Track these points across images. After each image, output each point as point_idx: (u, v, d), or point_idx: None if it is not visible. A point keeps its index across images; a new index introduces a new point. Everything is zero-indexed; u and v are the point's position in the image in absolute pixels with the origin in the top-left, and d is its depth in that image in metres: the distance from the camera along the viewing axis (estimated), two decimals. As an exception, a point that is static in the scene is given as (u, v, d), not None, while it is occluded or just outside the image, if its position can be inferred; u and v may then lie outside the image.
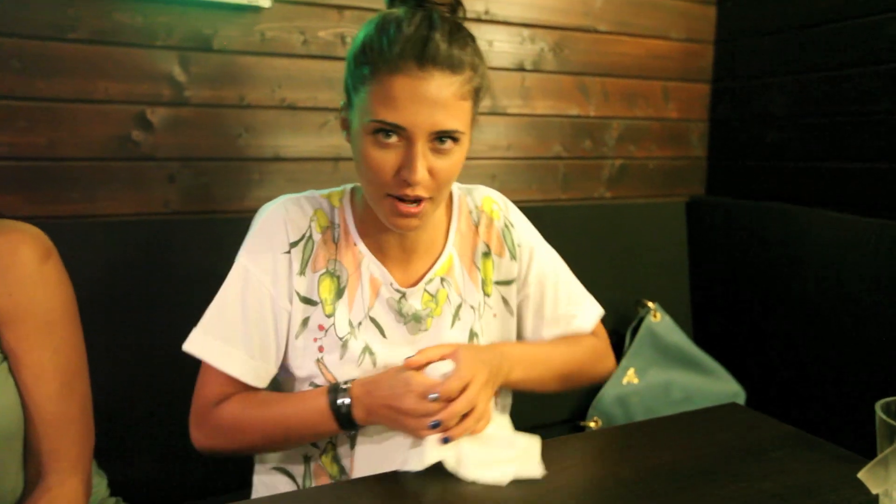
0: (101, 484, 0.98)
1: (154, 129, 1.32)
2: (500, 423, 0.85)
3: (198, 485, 1.26)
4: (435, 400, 0.76)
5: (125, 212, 1.32)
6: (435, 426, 0.75)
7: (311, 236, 0.88)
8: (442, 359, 0.82)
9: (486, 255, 0.96)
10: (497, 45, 1.65)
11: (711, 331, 1.84)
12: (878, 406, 0.64)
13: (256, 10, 1.37)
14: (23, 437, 0.79)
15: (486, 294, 0.96)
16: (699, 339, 1.82)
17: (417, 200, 0.80)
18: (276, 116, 1.43)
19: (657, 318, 1.68)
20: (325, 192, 0.93)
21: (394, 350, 0.88)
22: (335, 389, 0.82)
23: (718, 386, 1.65)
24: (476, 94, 0.81)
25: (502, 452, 0.78)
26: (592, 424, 1.61)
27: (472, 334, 0.93)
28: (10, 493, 0.79)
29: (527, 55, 1.69)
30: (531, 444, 0.80)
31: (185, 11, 1.32)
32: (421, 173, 0.76)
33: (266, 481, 0.93)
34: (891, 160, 1.53)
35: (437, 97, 0.75)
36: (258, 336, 0.85)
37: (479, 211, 0.98)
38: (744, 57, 1.89)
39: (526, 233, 1.01)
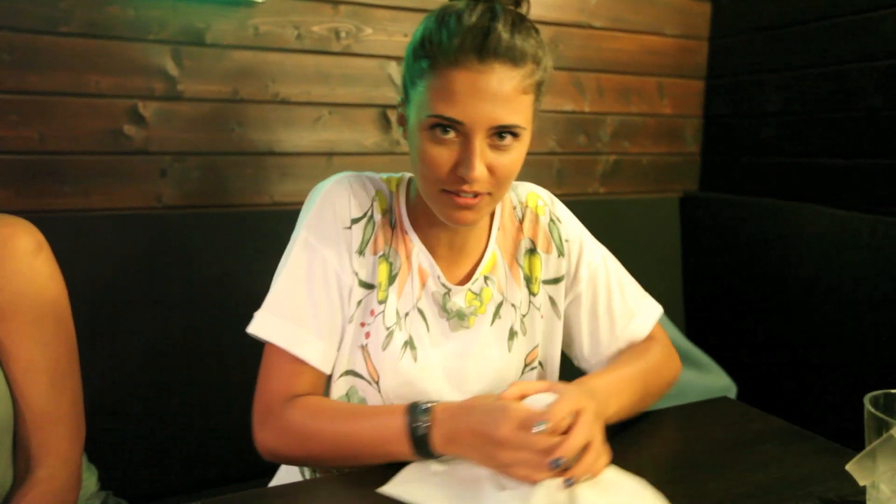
0: (91, 478, 0.97)
1: (147, 124, 1.32)
2: (618, 471, 0.73)
3: (188, 479, 1.26)
4: (540, 432, 0.66)
5: (117, 206, 1.31)
6: (555, 466, 0.65)
7: (372, 216, 0.85)
8: (537, 393, 0.74)
9: (532, 251, 0.93)
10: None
11: (704, 326, 1.85)
12: (866, 399, 0.64)
13: (250, 4, 1.37)
14: (12, 430, 0.79)
15: (532, 293, 0.92)
16: (691, 333, 1.83)
17: (475, 194, 0.76)
18: (270, 111, 1.43)
19: (651, 313, 1.69)
20: (385, 175, 0.90)
21: (434, 343, 0.86)
22: (414, 408, 0.74)
23: (710, 380, 1.65)
24: (538, 88, 0.78)
25: (629, 500, 0.67)
26: (586, 419, 1.61)
27: (512, 333, 0.90)
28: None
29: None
30: (657, 497, 0.68)
31: (178, 5, 1.31)
32: (479, 170, 0.73)
33: (291, 469, 0.92)
34: (883, 156, 1.54)
35: (498, 91, 0.72)
36: (326, 316, 0.81)
37: (523, 206, 0.94)
38: (738, 53, 1.89)
39: (574, 228, 0.96)
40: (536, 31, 0.78)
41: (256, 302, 0.81)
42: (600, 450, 0.69)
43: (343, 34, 1.48)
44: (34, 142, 1.24)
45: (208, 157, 1.39)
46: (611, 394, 0.82)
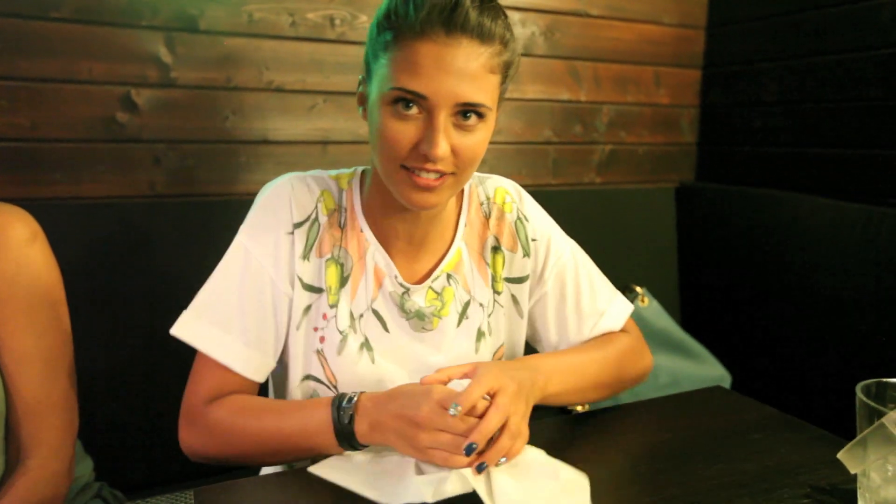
0: (86, 468, 0.97)
1: (139, 111, 1.31)
2: (537, 452, 0.72)
3: (182, 469, 1.26)
4: (457, 414, 0.65)
5: (110, 194, 1.31)
6: (469, 452, 0.64)
7: (316, 218, 0.82)
8: (464, 377, 0.72)
9: (496, 249, 0.90)
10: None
11: (699, 316, 1.85)
12: (858, 388, 0.65)
13: (243, -10, 1.36)
14: (4, 419, 0.79)
15: (496, 291, 0.90)
16: (686, 323, 1.83)
17: (438, 174, 0.73)
18: (264, 99, 1.42)
19: (645, 303, 1.69)
20: (334, 172, 0.87)
21: (395, 344, 0.84)
22: (339, 399, 0.73)
23: (705, 370, 1.66)
24: (505, 70, 0.75)
25: (545, 485, 0.66)
26: (580, 408, 1.62)
27: (480, 334, 0.88)
28: (-8, 474, 0.79)
29: (518, 39, 1.68)
30: (579, 479, 0.67)
31: (171, -9, 1.30)
32: (442, 147, 0.70)
33: None
34: (880, 146, 1.53)
35: (464, 67, 0.69)
36: (255, 324, 0.79)
37: (490, 202, 0.91)
38: (735, 43, 1.88)
39: (542, 226, 0.93)
40: (504, 13, 0.75)
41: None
42: (516, 431, 0.68)
43: (338, 21, 1.46)
44: (25, 129, 1.23)
45: (202, 145, 1.38)
46: (554, 373, 0.81)
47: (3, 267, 0.76)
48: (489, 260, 0.90)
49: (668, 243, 1.88)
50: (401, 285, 0.84)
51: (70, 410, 0.84)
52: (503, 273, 0.91)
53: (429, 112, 0.71)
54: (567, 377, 0.83)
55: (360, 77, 0.80)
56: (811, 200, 1.57)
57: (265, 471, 0.93)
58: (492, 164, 1.68)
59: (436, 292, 0.86)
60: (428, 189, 0.73)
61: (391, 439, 0.69)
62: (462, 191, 0.90)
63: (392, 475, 0.69)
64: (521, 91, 1.71)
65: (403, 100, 0.70)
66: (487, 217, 0.91)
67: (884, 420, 0.59)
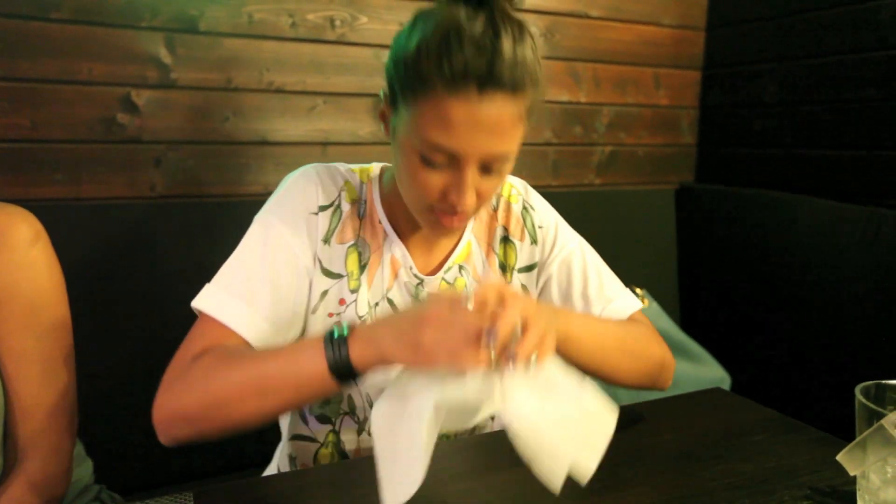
0: (86, 470, 0.97)
1: (140, 112, 1.31)
2: (564, 371, 0.62)
3: (182, 472, 1.27)
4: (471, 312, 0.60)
5: (110, 195, 1.31)
6: (490, 340, 0.56)
7: (339, 205, 0.83)
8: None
9: (505, 239, 0.93)
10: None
11: (698, 317, 1.85)
12: (858, 389, 0.65)
13: (244, -9, 1.36)
14: (3, 420, 0.79)
15: (522, 270, 0.93)
16: (686, 325, 1.83)
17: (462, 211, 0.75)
18: (264, 100, 1.42)
19: (645, 305, 1.69)
20: (356, 166, 0.89)
21: None
22: (332, 331, 0.66)
23: (704, 371, 1.66)
24: (531, 110, 0.75)
25: (564, 409, 0.58)
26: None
27: None
28: (-11, 475, 0.79)
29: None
30: (605, 416, 0.60)
31: (171, -8, 1.30)
32: (470, 198, 0.72)
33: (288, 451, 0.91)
34: (879, 148, 1.54)
35: (496, 122, 0.69)
36: (277, 298, 0.77)
37: (497, 195, 0.94)
38: (735, 44, 1.89)
39: (548, 215, 0.95)
40: (532, 38, 0.73)
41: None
42: (542, 334, 0.60)
43: (338, 23, 1.47)
44: (26, 129, 1.23)
45: (202, 146, 1.38)
46: (575, 317, 0.81)
47: (4, 268, 0.76)
48: (498, 250, 0.92)
49: (668, 244, 1.88)
50: (415, 276, 0.86)
51: (69, 412, 0.83)
52: (515, 263, 0.93)
53: (458, 164, 0.71)
54: (588, 326, 0.81)
55: (381, 92, 0.79)
56: (811, 202, 1.57)
57: (268, 472, 0.93)
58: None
59: (448, 283, 0.88)
60: (450, 227, 0.77)
61: (388, 345, 0.61)
62: None
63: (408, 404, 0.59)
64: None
65: (433, 154, 0.71)
66: (495, 210, 0.93)
67: (883, 422, 0.59)
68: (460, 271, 0.89)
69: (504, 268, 0.92)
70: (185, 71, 1.34)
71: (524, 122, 0.73)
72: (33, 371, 0.79)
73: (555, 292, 0.92)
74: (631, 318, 0.93)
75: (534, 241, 0.93)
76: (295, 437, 0.88)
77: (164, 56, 1.31)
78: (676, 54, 1.93)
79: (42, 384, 0.79)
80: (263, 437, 0.95)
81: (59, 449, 0.81)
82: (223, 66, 1.37)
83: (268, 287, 0.77)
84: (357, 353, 0.62)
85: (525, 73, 0.69)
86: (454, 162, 0.71)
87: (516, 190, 0.95)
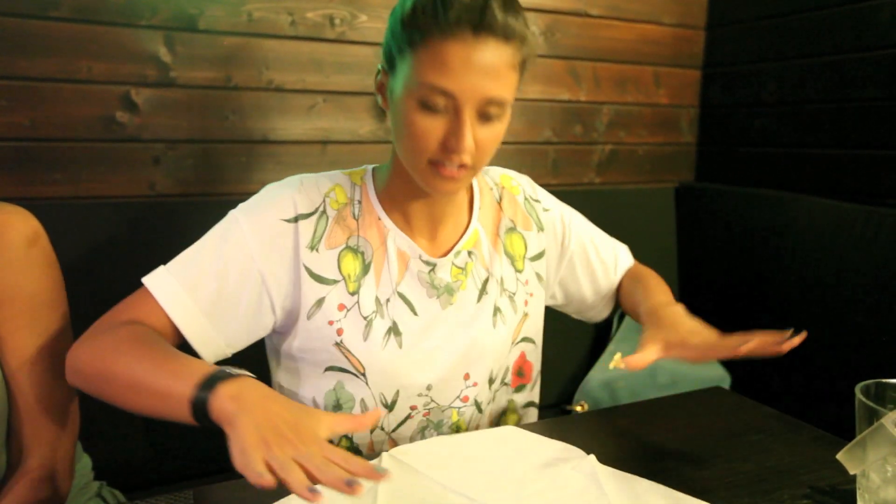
0: (85, 467, 0.97)
1: (139, 110, 1.31)
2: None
3: (182, 470, 1.26)
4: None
5: (109, 194, 1.30)
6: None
7: (324, 211, 0.84)
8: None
9: (512, 230, 0.96)
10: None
11: (698, 315, 1.84)
12: (858, 388, 0.65)
13: (243, -11, 1.35)
14: (6, 419, 0.79)
15: (518, 270, 0.95)
16: (686, 324, 1.83)
17: (461, 165, 0.77)
18: (264, 98, 1.42)
19: (645, 304, 1.69)
20: (347, 171, 0.91)
21: (424, 328, 0.86)
22: (220, 372, 0.64)
23: (704, 371, 1.66)
24: (523, 65, 0.80)
25: None
26: (579, 408, 1.62)
27: (496, 309, 0.91)
28: (-8, 474, 0.79)
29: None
30: None
31: (170, -10, 1.30)
32: (469, 142, 0.75)
33: None
34: (880, 147, 1.53)
35: (490, 65, 0.73)
36: (223, 297, 0.78)
37: (499, 187, 0.98)
38: (735, 43, 1.88)
39: (550, 200, 1.02)
40: (522, 8, 0.79)
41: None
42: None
43: (337, 21, 1.46)
44: (25, 128, 1.22)
45: (202, 144, 1.38)
46: (675, 307, 0.96)
47: (4, 267, 0.76)
48: (504, 240, 0.95)
49: (668, 243, 1.88)
50: (426, 262, 0.87)
51: (71, 410, 0.84)
52: (526, 253, 0.97)
53: (455, 108, 0.74)
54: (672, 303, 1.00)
55: (379, 66, 0.83)
56: (811, 201, 1.57)
57: None
58: (491, 164, 1.68)
59: (459, 267, 0.90)
60: (451, 179, 0.78)
61: (243, 418, 0.58)
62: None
63: None
64: (520, 91, 1.69)
65: (431, 97, 0.73)
66: (499, 201, 0.97)
67: (883, 421, 0.59)
68: (469, 256, 0.91)
69: (513, 257, 0.96)
70: (185, 69, 1.34)
71: (518, 73, 0.78)
72: (35, 369, 0.79)
73: (579, 267, 1.03)
74: (634, 263, 1.11)
75: (541, 230, 0.98)
76: None
77: (164, 54, 1.31)
78: (676, 53, 1.93)
79: (44, 383, 0.79)
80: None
81: (62, 446, 0.81)
82: (223, 65, 1.37)
83: (214, 282, 0.78)
84: (217, 406, 0.61)
85: (516, 23, 0.75)
86: (452, 107, 0.74)
87: (515, 181, 1.00)
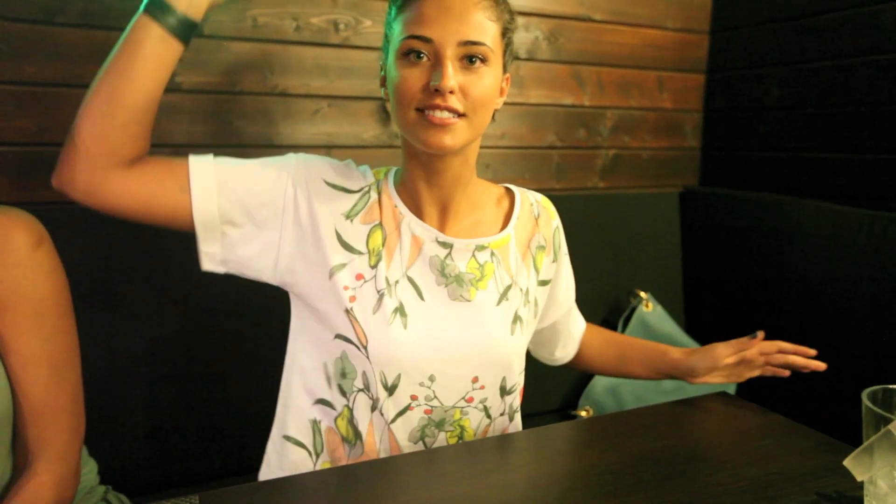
0: (91, 471, 0.97)
1: (144, 115, 1.31)
2: None
3: (187, 473, 1.27)
4: None
5: (115, 198, 1.31)
6: None
7: (369, 192, 0.91)
8: None
9: (542, 248, 0.98)
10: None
11: (703, 321, 1.85)
12: (864, 394, 0.64)
13: (248, -5, 1.36)
14: (11, 423, 0.79)
15: (540, 283, 0.99)
16: (691, 329, 1.83)
17: (452, 115, 0.79)
18: (269, 103, 1.42)
19: (649, 308, 1.69)
20: (374, 169, 0.96)
21: (430, 313, 0.87)
22: None
23: (709, 375, 1.65)
24: (504, 27, 0.84)
25: None
26: (583, 413, 1.62)
27: (517, 317, 0.93)
28: (-2, 478, 0.79)
29: (521, 43, 1.69)
30: None
31: (176, -4, 1.30)
32: (450, 77, 0.77)
33: (278, 449, 0.92)
34: (884, 151, 1.53)
35: (464, 10, 0.79)
36: (249, 197, 0.85)
37: (539, 206, 1.01)
38: (739, 47, 1.88)
39: (564, 239, 1.05)
40: None
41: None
42: None
43: (342, 26, 1.47)
44: (32, 133, 1.23)
45: (207, 149, 1.37)
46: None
47: (8, 271, 0.76)
48: (535, 255, 0.97)
49: (673, 248, 1.88)
50: (442, 244, 0.90)
51: (76, 414, 0.84)
52: (541, 275, 0.99)
53: (437, 55, 0.79)
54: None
55: (380, 62, 0.90)
56: (815, 205, 1.57)
57: (291, 457, 0.92)
58: (496, 169, 1.68)
59: (478, 262, 0.91)
60: (443, 127, 0.79)
61: None
62: (512, 193, 1.00)
63: None
64: (524, 95, 1.72)
65: (414, 50, 0.79)
66: (537, 217, 1.00)
67: (890, 427, 0.59)
68: (492, 257, 0.92)
69: (538, 272, 0.98)
70: (190, 75, 1.34)
71: (497, 27, 0.83)
72: (40, 373, 0.79)
73: (561, 295, 1.05)
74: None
75: (554, 260, 1.01)
76: (319, 402, 0.90)
77: (169, 60, 1.32)
78: (680, 58, 1.93)
79: (49, 386, 0.80)
80: (267, 439, 0.95)
81: (68, 451, 0.82)
82: (228, 70, 1.37)
83: (242, 169, 0.87)
84: None
85: None
86: (433, 54, 0.79)
87: (553, 208, 1.04)
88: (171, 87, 1.33)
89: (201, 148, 1.37)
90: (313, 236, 0.87)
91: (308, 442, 0.91)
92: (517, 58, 1.68)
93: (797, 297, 1.58)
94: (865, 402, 0.64)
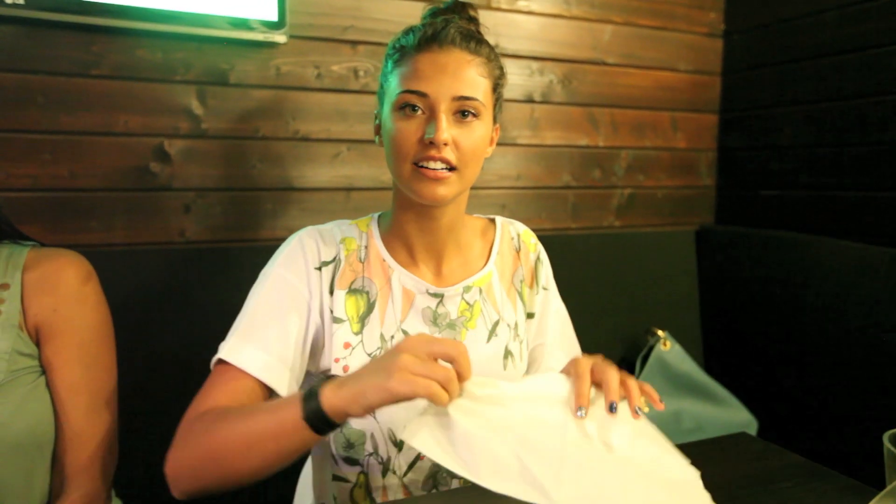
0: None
1: (171, 161, 1.36)
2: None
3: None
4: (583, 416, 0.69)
5: (141, 241, 1.35)
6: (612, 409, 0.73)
7: (340, 258, 0.90)
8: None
9: (523, 282, 1.00)
10: (506, 77, 1.69)
11: (722, 359, 1.83)
12: (886, 437, 0.64)
13: (273, 45, 1.42)
14: (52, 447, 0.83)
15: (528, 316, 0.99)
16: (710, 367, 1.81)
17: (445, 167, 0.82)
18: (290, 148, 1.47)
19: (667, 347, 1.68)
20: (354, 220, 0.96)
21: None
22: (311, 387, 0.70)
23: (730, 415, 1.63)
24: (495, 83, 0.88)
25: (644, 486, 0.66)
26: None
27: (507, 353, 0.94)
28: (37, 500, 0.83)
29: (536, 87, 1.73)
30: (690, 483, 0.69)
31: (203, 47, 1.36)
32: (444, 132, 0.80)
33: None
34: (900, 189, 1.53)
35: (457, 68, 0.83)
36: (289, 340, 0.83)
37: (519, 240, 1.02)
38: (750, 88, 1.91)
39: (550, 272, 1.04)
40: (489, 44, 0.89)
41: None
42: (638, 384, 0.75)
43: (361, 73, 1.52)
44: (64, 179, 1.28)
45: (230, 192, 1.42)
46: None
47: (61, 302, 0.84)
48: (519, 289, 0.99)
49: (690, 286, 1.87)
50: (433, 295, 0.91)
51: (111, 442, 0.88)
52: (526, 308, 0.99)
53: (431, 108, 0.82)
54: None
55: (375, 112, 0.92)
56: (833, 243, 1.56)
57: None
58: (512, 209, 1.71)
59: (467, 303, 0.93)
60: (437, 180, 0.82)
61: (364, 383, 0.65)
62: (495, 225, 1.02)
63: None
64: (540, 137, 1.75)
65: (409, 104, 0.83)
66: (518, 251, 1.01)
67: (912, 470, 0.58)
68: (480, 294, 0.94)
69: (525, 305, 0.98)
70: (216, 121, 1.39)
71: (488, 83, 0.86)
72: (81, 401, 0.84)
73: (549, 336, 1.01)
74: None
75: (537, 293, 1.01)
76: (336, 479, 0.91)
77: (196, 107, 1.37)
78: (693, 98, 1.96)
79: (89, 414, 0.85)
80: (284, 476, 0.96)
81: (101, 477, 0.86)
82: (251, 116, 1.43)
83: (277, 329, 0.83)
84: (327, 397, 0.67)
85: (479, 45, 0.86)
86: (428, 108, 0.82)
87: (534, 240, 1.03)
88: (197, 133, 1.38)
89: (226, 192, 1.41)
90: (322, 328, 0.88)
91: None
92: (532, 101, 1.72)
93: (817, 335, 1.56)
94: (887, 444, 0.63)
